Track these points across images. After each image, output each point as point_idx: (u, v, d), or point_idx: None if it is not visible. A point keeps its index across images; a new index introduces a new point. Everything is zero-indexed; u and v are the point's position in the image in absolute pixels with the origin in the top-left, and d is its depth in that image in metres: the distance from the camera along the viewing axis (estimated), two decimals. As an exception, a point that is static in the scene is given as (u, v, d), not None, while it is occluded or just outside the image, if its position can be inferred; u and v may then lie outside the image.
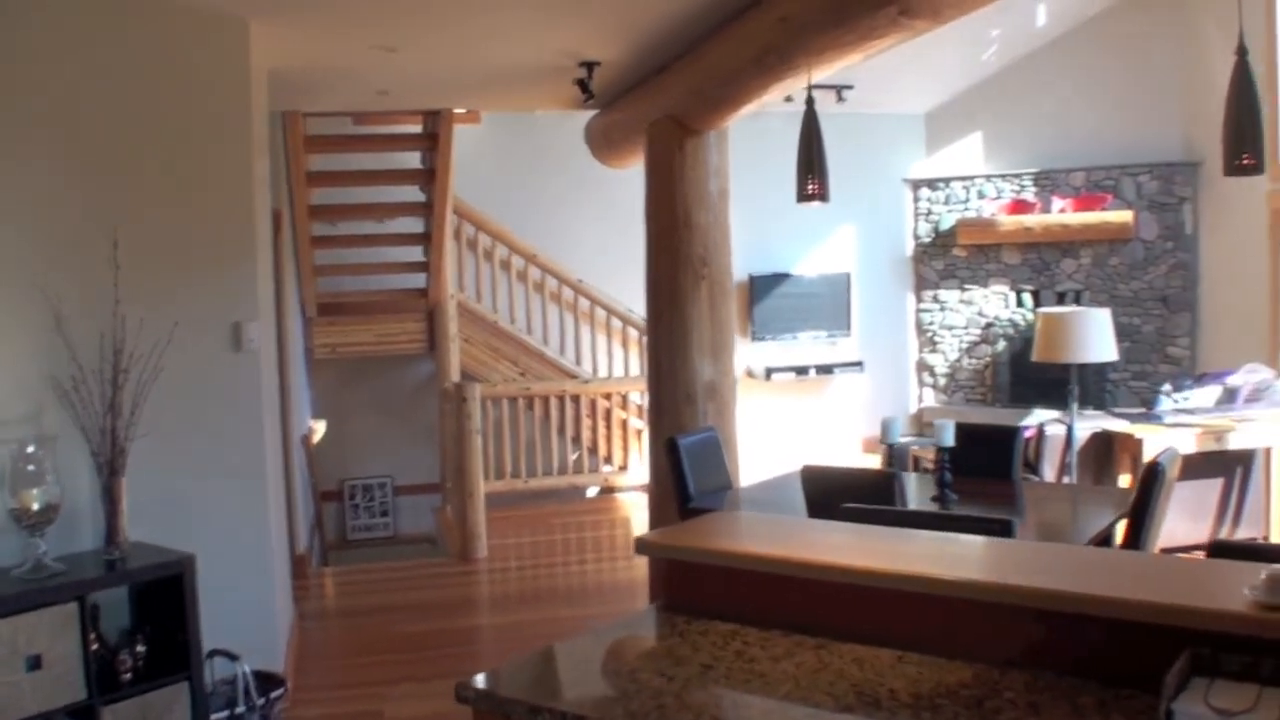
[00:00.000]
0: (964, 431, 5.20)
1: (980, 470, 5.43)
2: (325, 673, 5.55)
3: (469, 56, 5.96)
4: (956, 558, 2.76)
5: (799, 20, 4.34)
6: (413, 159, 8.91)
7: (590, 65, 6.05)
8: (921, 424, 11.22)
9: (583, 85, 6.17)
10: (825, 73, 4.71)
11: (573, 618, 6.45)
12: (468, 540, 7.68)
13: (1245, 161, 2.85)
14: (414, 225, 8.97)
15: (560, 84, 6.42)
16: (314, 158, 8.02)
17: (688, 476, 5.40)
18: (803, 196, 3.97)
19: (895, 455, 7.67)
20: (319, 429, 9.01)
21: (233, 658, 4.55)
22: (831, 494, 4.56)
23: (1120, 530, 4.68)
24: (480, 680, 2.40)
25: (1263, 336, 9.61)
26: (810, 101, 4.02)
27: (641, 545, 2.99)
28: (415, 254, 9.08)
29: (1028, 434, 6.69)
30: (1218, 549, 3.00)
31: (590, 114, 7.77)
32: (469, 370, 9.21)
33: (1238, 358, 9.27)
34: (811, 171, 3.84)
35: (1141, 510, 4.50)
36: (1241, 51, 2.79)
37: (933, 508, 4.82)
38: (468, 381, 8.04)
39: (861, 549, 2.87)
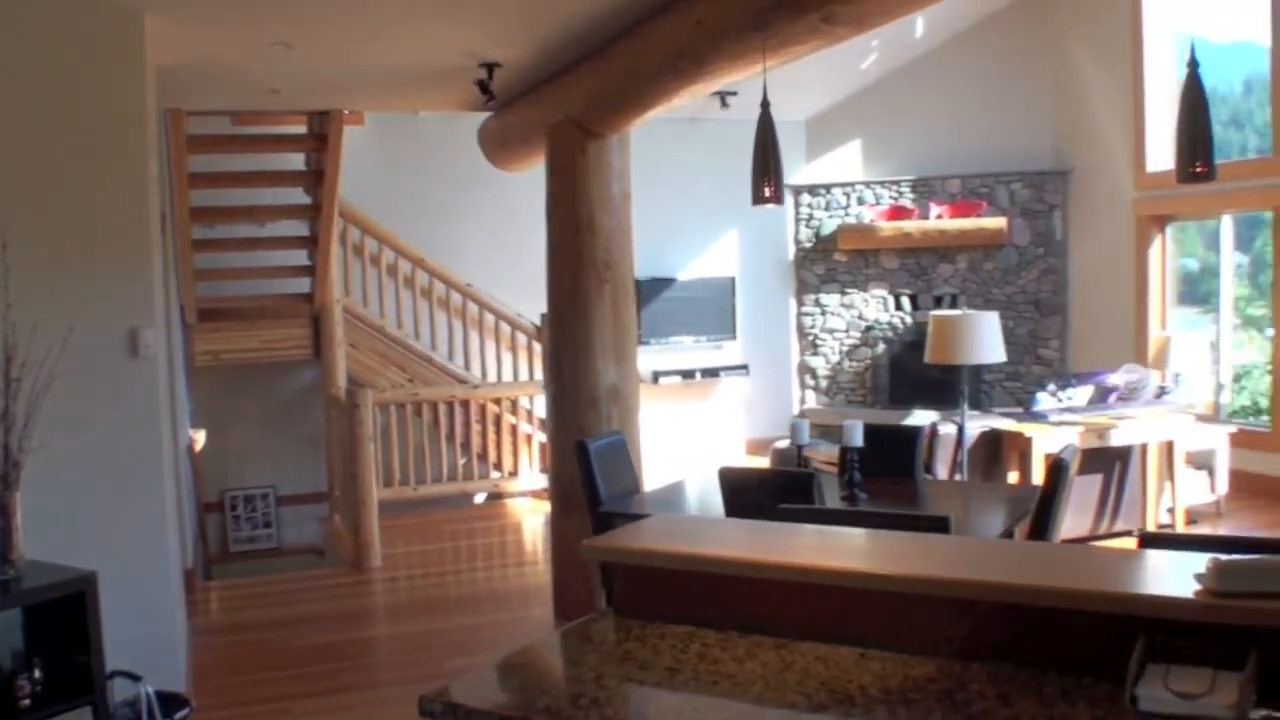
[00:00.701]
0: (867, 432, 5.30)
1: (881, 469, 5.54)
2: (226, 691, 5.37)
3: (369, 55, 5.85)
4: (907, 554, 2.79)
5: (717, 24, 4.35)
6: (296, 160, 8.70)
7: (491, 66, 5.99)
8: (791, 426, 11.37)
9: (483, 86, 6.11)
10: (737, 78, 4.74)
11: (474, 626, 6.38)
12: (361, 549, 7.53)
13: (1198, 170, 2.95)
14: (298, 228, 8.75)
15: (460, 85, 6.34)
16: (192, 158, 7.77)
17: (598, 480, 5.37)
18: (759, 199, 3.99)
19: (788, 457, 7.80)
20: (199, 439, 8.74)
21: (135, 678, 4.37)
22: (749, 495, 4.60)
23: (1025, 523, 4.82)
24: (448, 693, 2.34)
25: (1128, 338, 10.03)
26: (765, 105, 4.05)
27: (589, 550, 2.96)
28: (299, 258, 8.87)
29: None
30: (1147, 540, 3.11)
31: (482, 116, 7.68)
32: (356, 377, 9.04)
33: (1105, 359, 9.66)
34: (767, 175, 3.87)
35: (1047, 503, 4.64)
36: (1193, 65, 2.89)
37: (843, 507, 4.89)
38: (360, 388, 7.89)
39: (813, 548, 2.89)
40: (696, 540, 3.03)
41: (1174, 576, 2.38)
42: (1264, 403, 9.77)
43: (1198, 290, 10.51)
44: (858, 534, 3.03)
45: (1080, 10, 10.51)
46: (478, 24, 5.32)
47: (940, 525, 3.28)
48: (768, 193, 3.87)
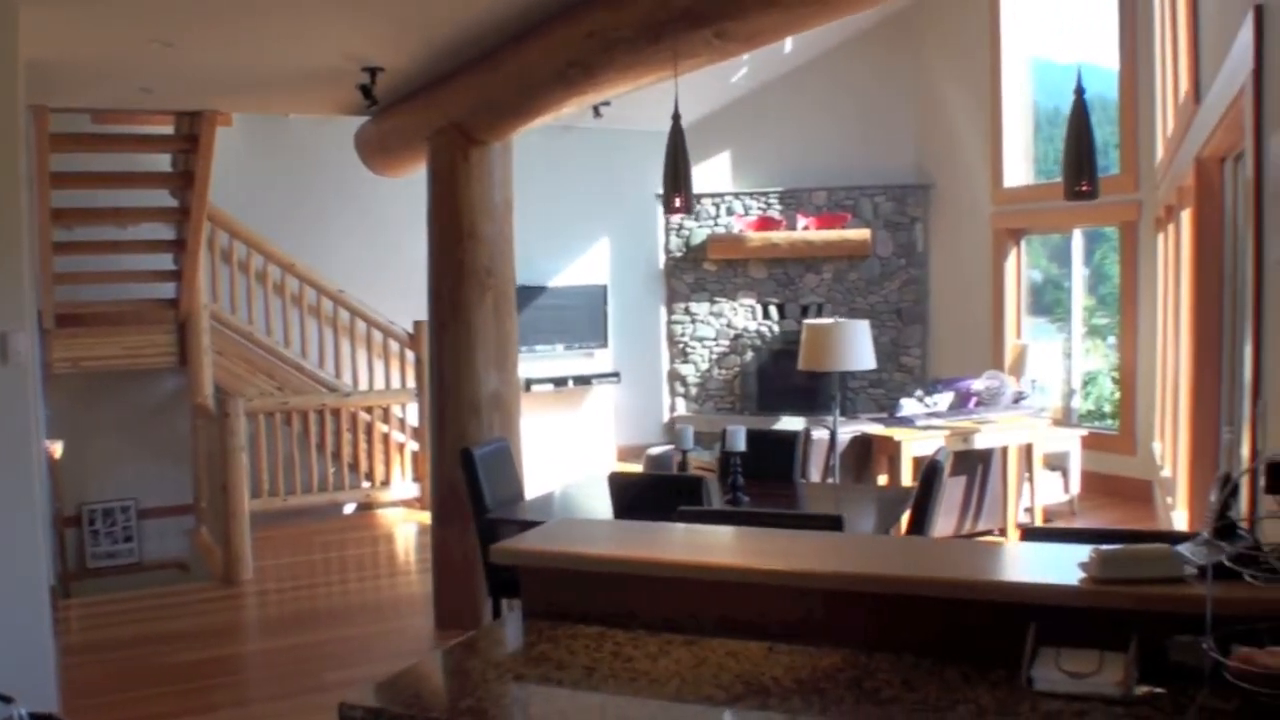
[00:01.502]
0: (749, 437, 5.44)
1: (759, 473, 5.68)
2: (100, 710, 5.21)
3: (251, 56, 5.76)
4: (808, 551, 2.89)
5: (610, 36, 4.41)
6: (163, 161, 8.48)
7: (374, 70, 5.95)
8: (674, 432, 11.52)
9: (366, 91, 6.07)
10: (627, 89, 4.82)
11: (351, 637, 6.31)
12: (232, 562, 7.37)
13: (1083, 188, 3.13)
14: (164, 232, 8.53)
15: (341, 88, 6.27)
16: (53, 157, 7.52)
17: (483, 487, 5.38)
18: (670, 209, 4.05)
19: (662, 463, 7.90)
20: (56, 450, 8.44)
21: (7, 700, 4.22)
22: (639, 499, 4.68)
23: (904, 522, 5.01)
24: (368, 698, 2.35)
25: (986, 346, 10.43)
26: (676, 118, 4.13)
27: (499, 553, 2.99)
28: (165, 262, 8.64)
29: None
30: (1026, 533, 3.28)
31: (357, 119, 7.61)
32: (223, 385, 8.84)
33: (964, 366, 10.03)
34: (678, 186, 3.94)
35: (923, 503, 4.83)
36: (1079, 90, 3.06)
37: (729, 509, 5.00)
38: (229, 396, 7.72)
39: (716, 548, 2.98)
40: (604, 542, 3.09)
41: (1059, 566, 2.51)
42: (1108, 408, 10.29)
43: (1043, 301, 11.00)
44: (759, 533, 3.13)
45: (942, 32, 10.92)
46: (362, 27, 5.28)
47: (835, 524, 3.40)
48: (678, 202, 3.95)
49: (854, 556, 2.84)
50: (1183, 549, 2.52)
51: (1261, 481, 2.94)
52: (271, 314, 9.42)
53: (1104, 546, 2.48)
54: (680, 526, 3.31)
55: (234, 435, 7.39)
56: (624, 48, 4.37)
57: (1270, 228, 3.23)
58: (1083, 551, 2.49)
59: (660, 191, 11.45)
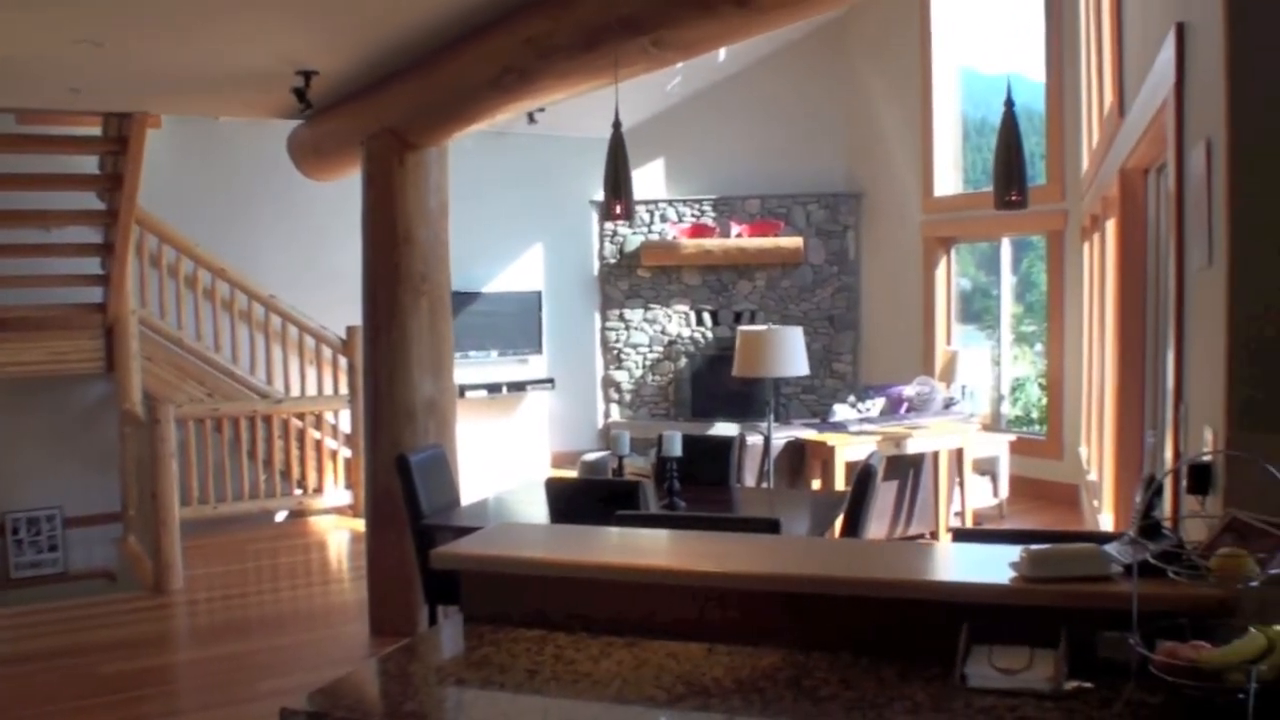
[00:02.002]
0: (684, 442, 5.48)
1: (694, 478, 5.74)
2: (26, 721, 5.13)
3: (184, 58, 5.68)
4: (746, 554, 2.93)
5: (547, 43, 4.43)
6: (89, 163, 8.34)
7: (309, 74, 5.90)
8: (609, 438, 11.56)
9: (300, 94, 6.02)
10: (564, 96, 4.84)
11: (284, 646, 6.24)
12: (162, 571, 7.26)
13: (1013, 198, 3.20)
14: (90, 235, 8.39)
15: (275, 91, 6.21)
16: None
17: (419, 494, 5.37)
18: (610, 216, 4.07)
19: (597, 468, 7.91)
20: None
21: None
22: (576, 504, 4.70)
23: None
24: (309, 703, 2.35)
25: (916, 352, 10.57)
26: (617, 125, 4.15)
27: (440, 558, 2.99)
28: (92, 266, 8.50)
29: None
30: (958, 534, 3.35)
31: (290, 123, 7.54)
32: (151, 391, 8.71)
33: (895, 373, 10.17)
34: (618, 193, 3.96)
35: (857, 506, 4.89)
36: (1009, 102, 3.13)
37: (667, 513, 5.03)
38: (161, 402, 7.61)
39: (656, 551, 3.01)
40: (543, 546, 3.10)
41: (990, 566, 2.58)
42: (1036, 413, 10.48)
43: (971, 308, 11.19)
44: (697, 536, 3.16)
45: (873, 42, 11.07)
46: (297, 30, 5.24)
47: (772, 527, 3.44)
48: (619, 209, 3.97)
49: (791, 558, 2.88)
50: (1109, 548, 2.58)
51: (1184, 482, 3.04)
52: (202, 319, 9.30)
53: (1033, 546, 2.54)
54: (619, 530, 3.34)
55: (164, 442, 7.28)
56: (561, 55, 4.39)
57: (1191, 237, 3.32)
58: (1013, 552, 2.55)
59: (595, 198, 11.50)
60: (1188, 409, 3.42)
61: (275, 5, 4.82)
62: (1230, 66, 2.60)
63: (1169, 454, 3.81)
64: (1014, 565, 2.54)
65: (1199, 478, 2.85)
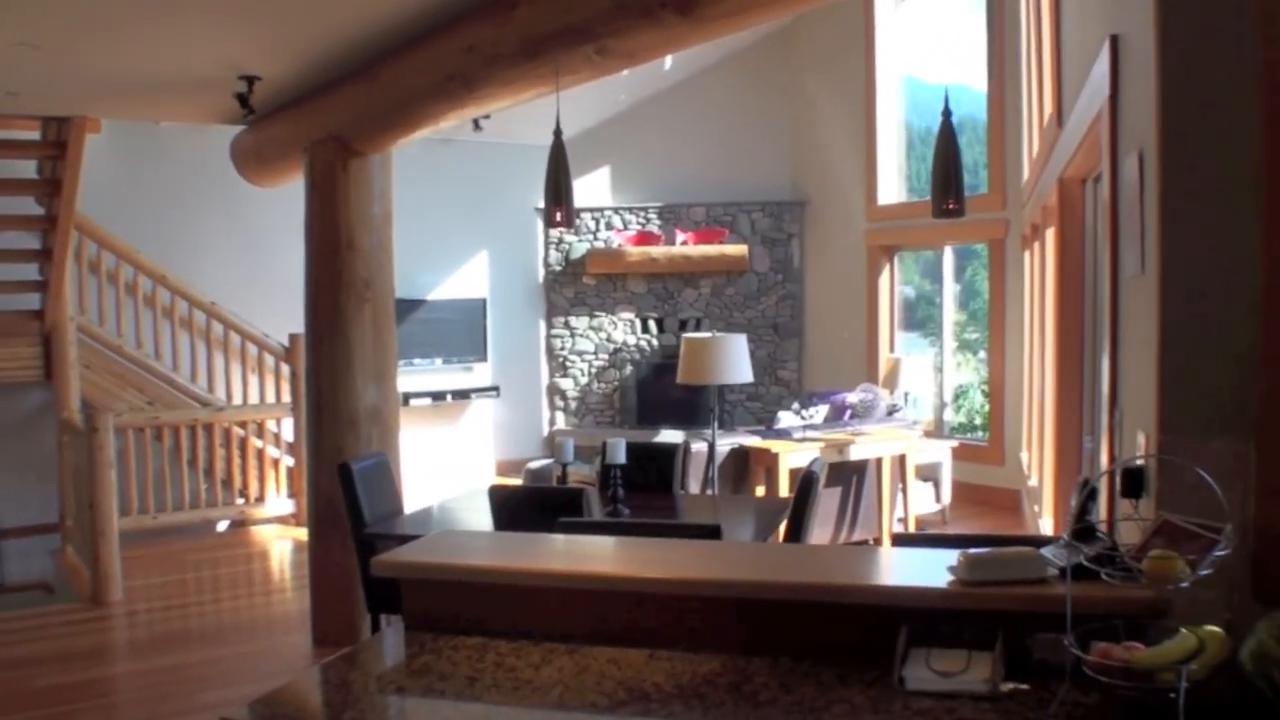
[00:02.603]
0: (629, 450, 5.49)
1: (639, 485, 5.74)
2: (-41, 736, 5.03)
3: (124, 61, 5.61)
4: (687, 560, 2.94)
5: (489, 50, 4.42)
6: (26, 167, 8.21)
7: (251, 79, 5.85)
8: (554, 445, 11.55)
9: (242, 100, 5.96)
10: (508, 103, 4.83)
11: (225, 657, 6.17)
12: (100, 583, 7.14)
13: (950, 206, 3.24)
14: (27, 241, 8.26)
15: (218, 96, 6.15)
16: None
17: (362, 502, 5.33)
18: (550, 223, 4.07)
19: (542, 476, 7.92)
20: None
21: None
22: (520, 512, 4.68)
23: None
24: (250, 713, 2.33)
25: (860, 360, 10.65)
26: (558, 133, 4.14)
27: (380, 566, 2.98)
28: (29, 272, 8.36)
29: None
30: (897, 539, 3.38)
31: (233, 128, 7.47)
32: (91, 399, 8.58)
33: (839, 380, 10.24)
34: (559, 201, 3.96)
35: (799, 512, 4.92)
36: (946, 112, 3.17)
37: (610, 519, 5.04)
38: (99, 411, 7.50)
39: (597, 557, 3.01)
40: (485, 553, 3.10)
41: (928, 570, 2.60)
42: (979, 419, 10.60)
43: (915, 316, 11.30)
44: (638, 542, 3.17)
45: (817, 51, 11.16)
46: (240, 35, 5.19)
47: (713, 533, 3.45)
48: (559, 216, 3.97)
49: (732, 564, 2.90)
50: (1045, 551, 2.62)
51: (1118, 486, 3.08)
52: (142, 327, 9.18)
53: (970, 550, 2.57)
54: (561, 537, 3.34)
55: (102, 451, 7.17)
56: (504, 63, 4.38)
57: (1125, 246, 3.38)
58: (951, 556, 2.58)
59: (541, 205, 11.44)
60: (1122, 414, 3.48)
61: (216, 9, 4.78)
62: (1161, 79, 2.64)
63: (1105, 458, 3.87)
64: (951, 569, 2.56)
65: (1132, 481, 2.89)
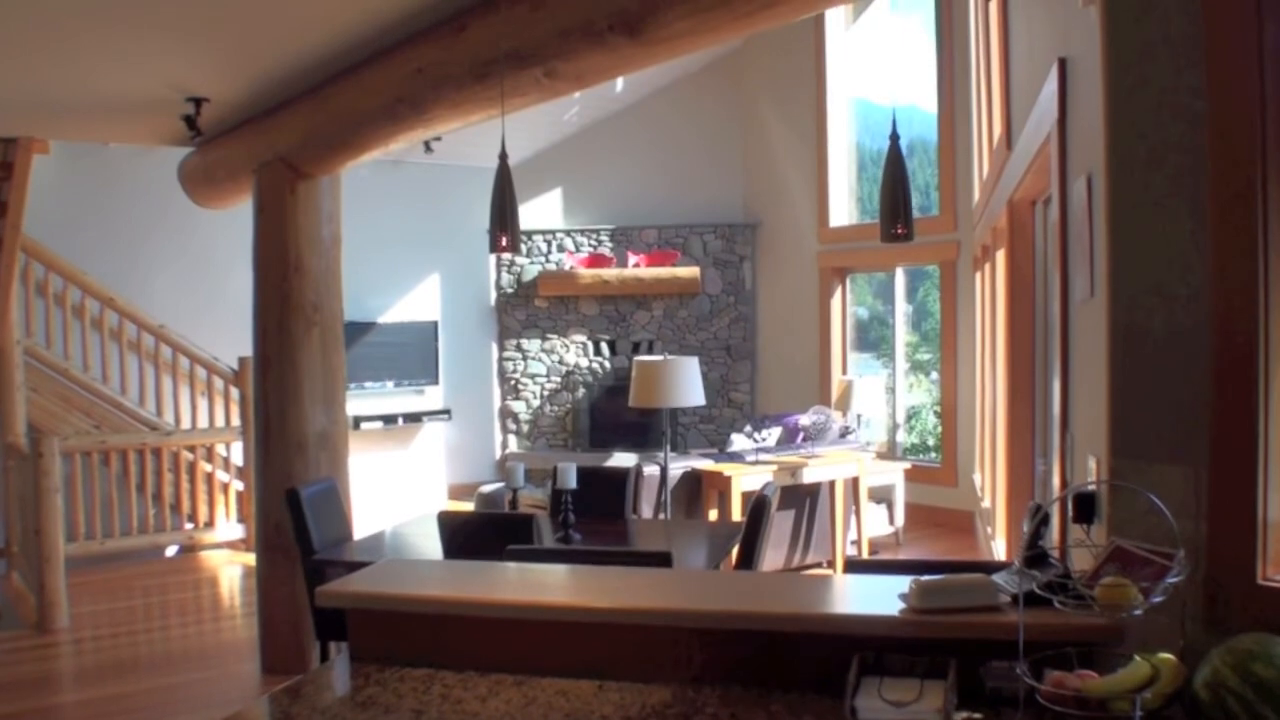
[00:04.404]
0: (578, 474, 5.44)
1: (591, 510, 5.70)
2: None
3: (68, 82, 5.51)
4: (636, 588, 2.90)
5: (438, 72, 4.39)
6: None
7: (199, 101, 5.78)
8: (506, 470, 11.48)
9: (189, 121, 5.89)
10: (458, 126, 4.80)
11: (173, 686, 6.05)
12: (46, 610, 7.00)
13: (899, 231, 3.23)
14: (-30, 264, 8.11)
15: (164, 118, 6.07)
16: None
17: (311, 528, 5.25)
18: (495, 248, 4.01)
19: (494, 501, 7.84)
20: None
21: None
22: (469, 538, 4.63)
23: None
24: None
25: (813, 381, 10.66)
26: (503, 156, 4.09)
27: (325, 596, 2.92)
28: (-27, 296, 8.22)
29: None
30: (851, 565, 3.36)
31: (182, 149, 7.38)
32: (37, 423, 8.42)
33: (792, 402, 10.25)
34: (504, 225, 3.91)
35: (751, 536, 4.90)
36: (894, 136, 3.16)
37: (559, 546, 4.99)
38: (45, 435, 7.37)
39: (544, 586, 2.96)
40: (432, 583, 3.04)
41: (880, 598, 2.58)
42: (932, 440, 10.64)
43: (868, 337, 11.35)
44: (587, 570, 3.13)
45: (768, 73, 11.20)
46: (186, 56, 5.12)
47: (664, 560, 3.42)
48: (504, 242, 3.92)
49: (681, 592, 2.86)
50: (997, 578, 2.60)
51: (1070, 511, 3.08)
52: (89, 349, 9.03)
53: (923, 577, 2.55)
54: (509, 566, 3.30)
55: (48, 476, 7.05)
56: (452, 85, 4.36)
57: (1074, 268, 3.39)
58: (903, 583, 2.56)
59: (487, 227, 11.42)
60: (1073, 438, 3.48)
61: (162, 30, 4.71)
62: (1109, 102, 2.63)
63: (1056, 482, 3.87)
64: (903, 597, 2.54)
65: (1084, 506, 2.89)
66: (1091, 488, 2.91)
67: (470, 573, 3.16)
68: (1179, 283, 2.43)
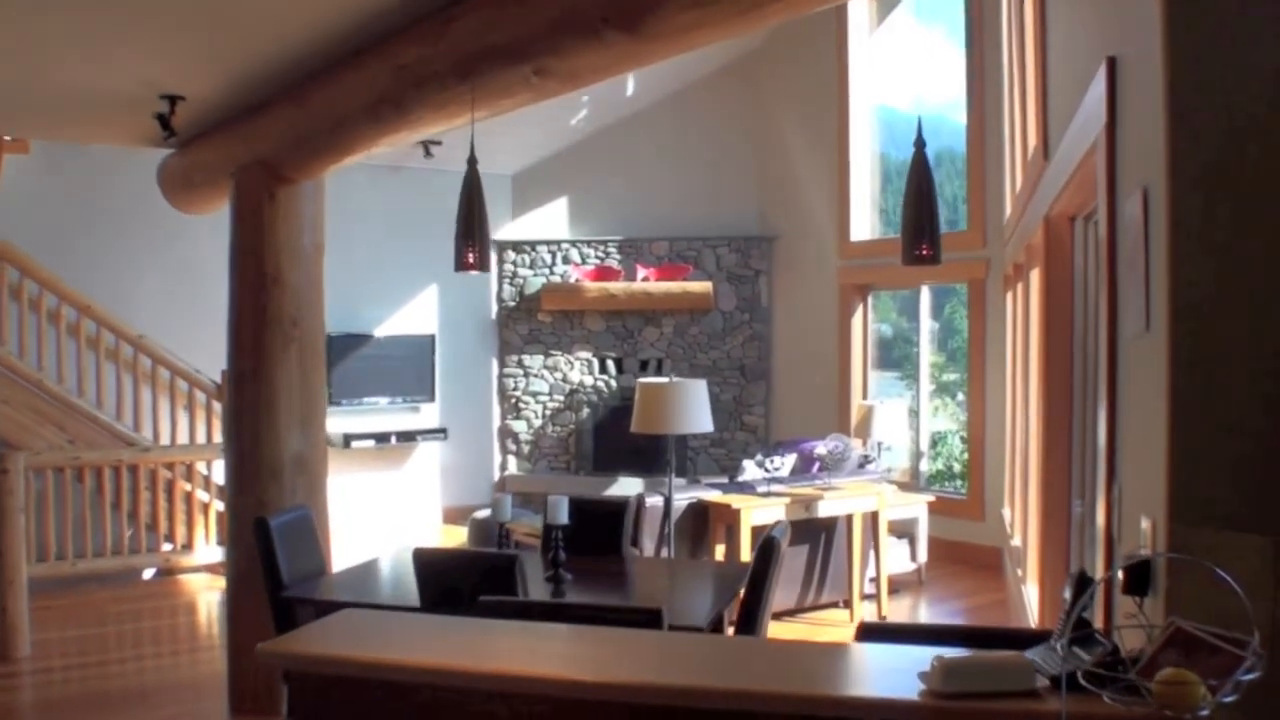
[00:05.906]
0: (573, 506, 5.03)
1: (587, 546, 5.29)
2: None
3: (37, 78, 5.20)
4: (619, 655, 2.56)
5: (421, 71, 4.06)
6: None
7: (174, 99, 5.43)
8: (494, 500, 11.11)
9: (163, 121, 5.54)
10: (443, 127, 4.44)
11: (140, 725, 5.68)
12: (7, 635, 6.64)
13: (924, 252, 2.84)
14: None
15: (138, 117, 5.72)
16: None
17: (280, 561, 4.87)
18: (461, 265, 3.63)
19: (488, 529, 7.44)
20: None
21: None
22: (447, 580, 4.23)
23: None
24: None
25: (831, 405, 10.23)
26: (472, 162, 3.72)
27: (265, 655, 2.54)
28: (-55, 302, 7.88)
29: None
30: (865, 630, 2.96)
31: (164, 151, 7.04)
32: (8, 437, 8.05)
33: (809, 426, 9.83)
34: (471, 239, 3.52)
35: (758, 583, 4.49)
36: (920, 143, 2.77)
37: (547, 589, 4.60)
38: (10, 450, 7.01)
39: (516, 650, 2.63)
40: (388, 643, 2.69)
41: (898, 676, 2.31)
42: (958, 468, 10.17)
43: (891, 355, 10.91)
44: (564, 633, 2.77)
45: (788, 79, 10.79)
46: (159, 51, 4.80)
47: (653, 619, 3.02)
48: (471, 258, 3.53)
49: (670, 662, 2.55)
50: (1033, 654, 2.28)
51: (1118, 578, 2.68)
52: (65, 359, 8.65)
53: (947, 653, 2.26)
54: (476, 623, 2.93)
55: (11, 495, 6.70)
56: (435, 84, 4.03)
57: (1125, 298, 2.99)
58: (925, 656, 2.26)
59: (495, 236, 11.06)
60: (1122, 490, 3.06)
61: (133, 24, 4.37)
62: (1171, 105, 2.30)
63: (1100, 534, 3.45)
64: (923, 676, 2.24)
65: (1137, 576, 2.51)
66: (1146, 554, 2.52)
67: (432, 631, 2.79)
68: (1253, 316, 2.13)
